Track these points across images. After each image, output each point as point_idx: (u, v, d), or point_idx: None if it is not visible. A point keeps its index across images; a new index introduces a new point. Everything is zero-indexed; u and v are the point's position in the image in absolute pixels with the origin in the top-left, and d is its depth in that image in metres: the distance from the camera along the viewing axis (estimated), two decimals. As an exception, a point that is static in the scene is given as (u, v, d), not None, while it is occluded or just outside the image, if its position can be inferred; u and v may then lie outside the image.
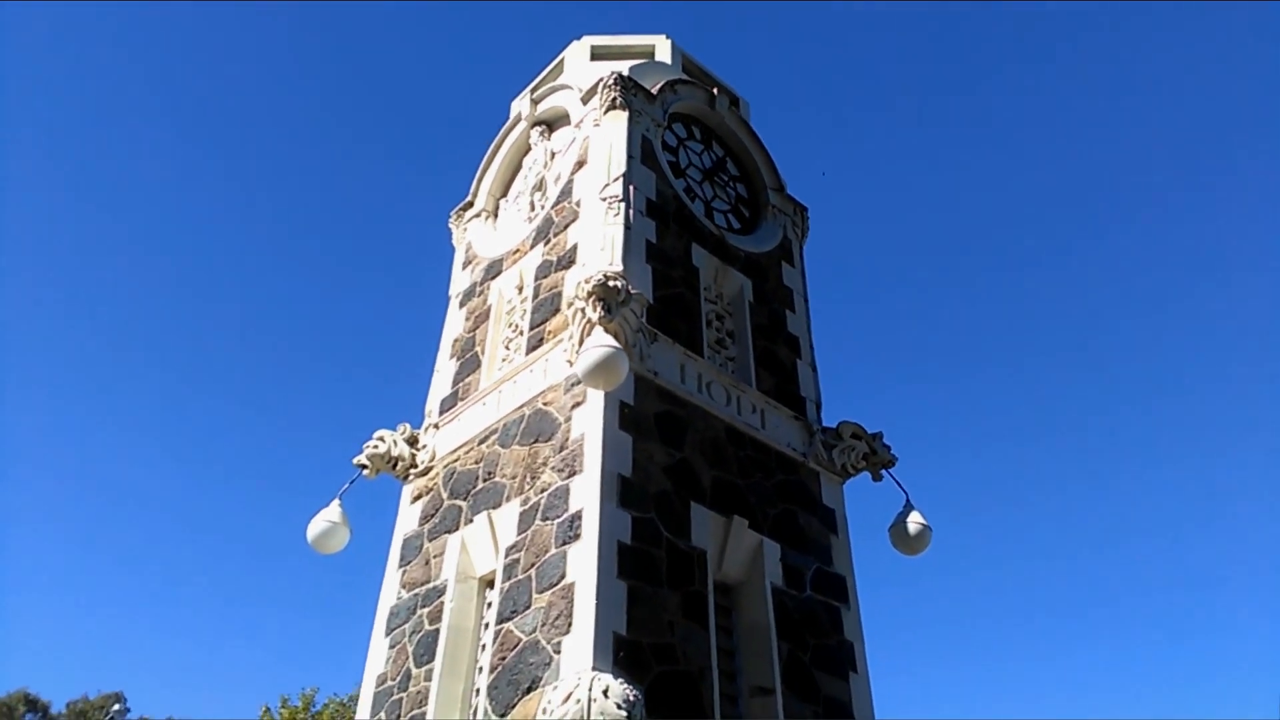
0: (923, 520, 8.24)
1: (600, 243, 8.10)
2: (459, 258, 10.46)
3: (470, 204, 10.72)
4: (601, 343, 6.61)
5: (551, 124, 10.32)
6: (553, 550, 6.69)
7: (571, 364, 7.51)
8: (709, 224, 9.40)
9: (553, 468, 7.16)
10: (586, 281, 7.27)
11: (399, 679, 7.48)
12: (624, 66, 9.87)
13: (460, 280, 10.13)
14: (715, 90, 10.48)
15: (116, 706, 29.08)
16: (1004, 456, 46.32)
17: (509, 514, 7.35)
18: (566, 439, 7.18)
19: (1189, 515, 41.87)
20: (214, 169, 48.98)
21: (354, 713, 24.78)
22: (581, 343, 7.28)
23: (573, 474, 6.91)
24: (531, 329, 8.45)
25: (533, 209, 9.72)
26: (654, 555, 6.72)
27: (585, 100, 9.47)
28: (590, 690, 5.65)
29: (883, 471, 8.74)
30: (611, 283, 7.21)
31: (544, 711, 5.83)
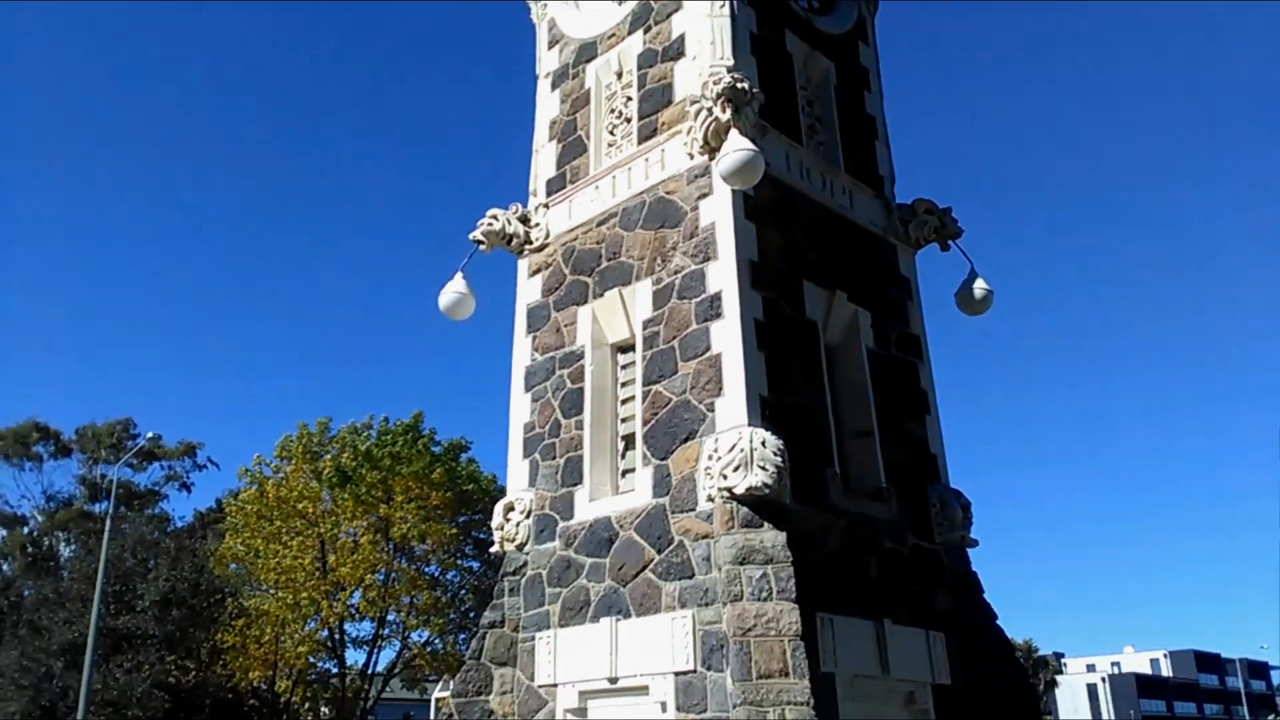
0: (986, 285, 9.45)
1: (709, 36, 8.61)
2: (542, 35, 10.79)
3: (550, -22, 10.88)
4: (741, 146, 7.39)
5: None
6: (694, 326, 7.85)
7: (692, 156, 8.33)
8: (796, 7, 9.82)
9: (684, 253, 8.16)
10: (715, 82, 7.93)
11: (548, 427, 8.86)
12: None
13: (549, 60, 10.55)
14: None
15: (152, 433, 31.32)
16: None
17: (642, 291, 8.43)
18: (696, 227, 8.13)
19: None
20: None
21: (367, 436, 27.31)
22: (706, 139, 8.07)
23: (707, 259, 7.93)
24: (641, 118, 9.11)
25: (623, -10, 10.00)
26: (780, 328, 7.92)
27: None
28: (751, 442, 7.02)
29: (950, 242, 9.83)
30: (739, 85, 7.88)
31: (709, 457, 7.23)
